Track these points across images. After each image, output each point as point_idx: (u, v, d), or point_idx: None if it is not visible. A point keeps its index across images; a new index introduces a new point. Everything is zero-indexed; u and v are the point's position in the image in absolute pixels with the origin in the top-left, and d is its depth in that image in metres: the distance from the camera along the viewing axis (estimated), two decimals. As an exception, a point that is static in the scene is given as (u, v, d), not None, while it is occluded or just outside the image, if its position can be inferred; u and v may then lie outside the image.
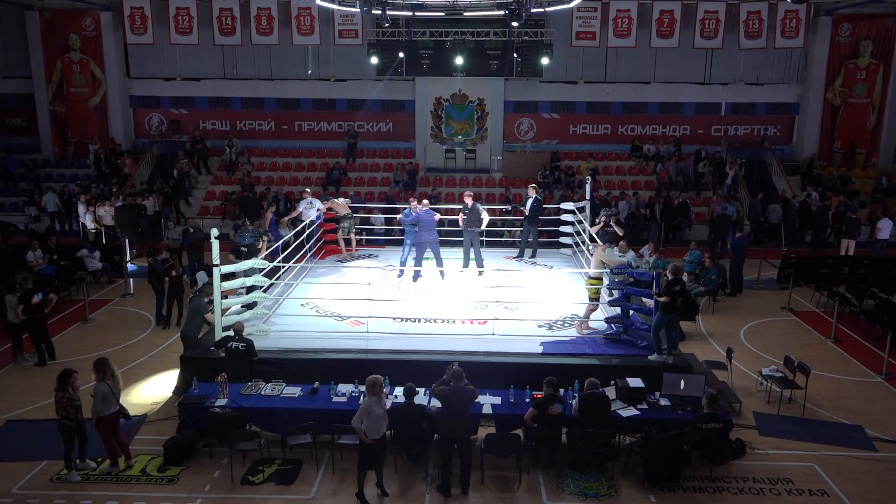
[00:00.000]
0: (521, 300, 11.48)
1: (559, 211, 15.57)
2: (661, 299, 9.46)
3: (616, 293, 10.73)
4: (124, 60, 23.16)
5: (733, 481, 8.14)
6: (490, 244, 15.82)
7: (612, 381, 9.01)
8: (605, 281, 10.86)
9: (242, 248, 12.68)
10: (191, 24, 21.84)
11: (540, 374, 8.85)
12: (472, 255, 13.60)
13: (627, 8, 21.53)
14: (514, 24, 15.04)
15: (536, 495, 7.90)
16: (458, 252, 13.89)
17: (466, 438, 7.96)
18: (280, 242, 13.04)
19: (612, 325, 10.56)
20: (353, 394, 8.81)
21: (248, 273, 10.85)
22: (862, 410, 9.94)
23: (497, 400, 8.75)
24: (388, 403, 8.34)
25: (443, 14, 16.72)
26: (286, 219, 15.17)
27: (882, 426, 9.50)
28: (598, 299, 10.85)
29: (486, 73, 21.65)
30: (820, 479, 8.24)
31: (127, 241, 15.27)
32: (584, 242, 13.67)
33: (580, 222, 14.42)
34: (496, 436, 8.32)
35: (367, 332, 10.49)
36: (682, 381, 8.73)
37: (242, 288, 10.89)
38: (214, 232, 9.87)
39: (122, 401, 8.29)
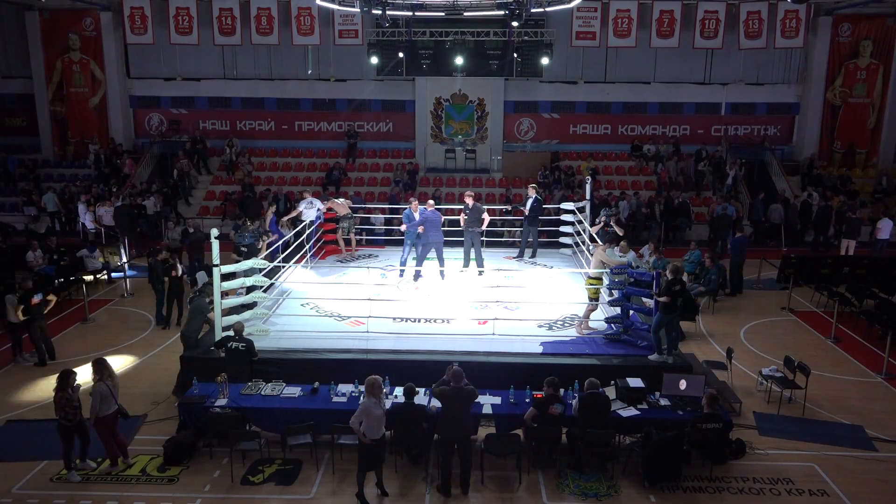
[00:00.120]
0: (521, 300, 11.48)
1: (559, 211, 15.56)
2: (661, 299, 9.46)
3: (616, 293, 10.73)
4: (124, 60, 23.16)
5: (733, 481, 8.14)
6: (490, 244, 15.82)
7: (612, 381, 9.00)
8: (605, 281, 10.87)
9: (242, 248, 12.69)
10: (191, 24, 21.84)
11: (540, 374, 8.86)
12: (472, 256, 13.60)
13: (627, 8, 21.53)
14: (514, 24, 15.05)
15: (536, 495, 7.90)
16: (458, 252, 13.89)
17: (466, 438, 7.96)
18: (280, 242, 13.05)
19: (612, 325, 10.56)
20: (353, 394, 8.81)
21: (247, 273, 10.85)
22: (862, 410, 9.94)
23: (497, 400, 8.75)
24: (388, 403, 8.35)
25: (443, 14, 16.72)
26: (286, 219, 15.17)
27: (882, 426, 9.50)
28: (597, 299, 10.85)
29: (486, 73, 21.64)
30: (820, 479, 8.24)
31: (126, 241, 15.31)
32: (584, 242, 13.67)
33: (580, 222, 14.42)
34: (496, 436, 8.31)
35: (367, 332, 10.48)
36: (682, 381, 8.73)
37: (242, 288, 10.90)
38: (214, 232, 9.87)
39: (121, 401, 8.29)
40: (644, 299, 10.82)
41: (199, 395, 8.80)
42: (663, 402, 8.70)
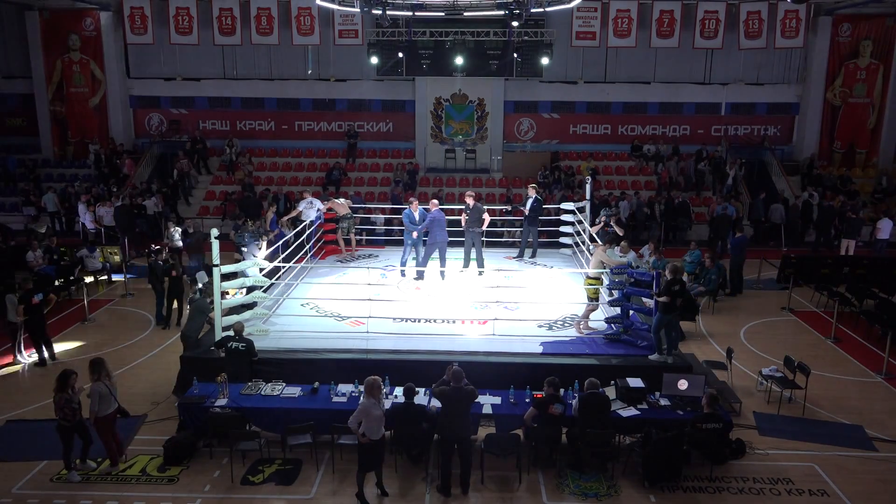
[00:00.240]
0: (521, 300, 11.48)
1: (559, 211, 15.57)
2: (661, 299, 9.46)
3: (616, 293, 10.73)
4: (124, 60, 23.15)
5: (733, 481, 8.14)
6: (490, 244, 15.82)
7: (612, 381, 9.00)
8: (605, 281, 10.87)
9: (242, 248, 12.69)
10: (191, 24, 21.84)
11: (540, 374, 8.86)
12: (472, 255, 13.60)
13: (627, 8, 21.53)
14: (514, 24, 15.04)
15: (536, 495, 7.90)
16: (458, 252, 13.89)
17: (466, 438, 7.96)
18: (280, 242, 13.05)
19: (612, 325, 10.56)
20: (353, 394, 8.80)
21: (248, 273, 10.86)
22: (862, 410, 9.94)
23: (497, 400, 8.75)
24: (388, 403, 8.35)
25: (443, 14, 16.70)
26: (286, 219, 15.18)
27: (882, 426, 9.50)
28: (596, 299, 10.85)
29: (486, 73, 21.65)
30: (820, 479, 8.24)
31: (126, 241, 15.32)
32: (584, 242, 13.67)
33: (580, 222, 14.42)
34: (496, 436, 8.31)
35: (367, 332, 10.49)
36: (682, 381, 8.73)
37: (242, 288, 10.90)
38: (214, 232, 9.88)
39: (121, 401, 8.29)
40: (644, 299, 10.82)
41: (199, 395, 8.80)
42: (663, 402, 8.70)
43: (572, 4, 14.85)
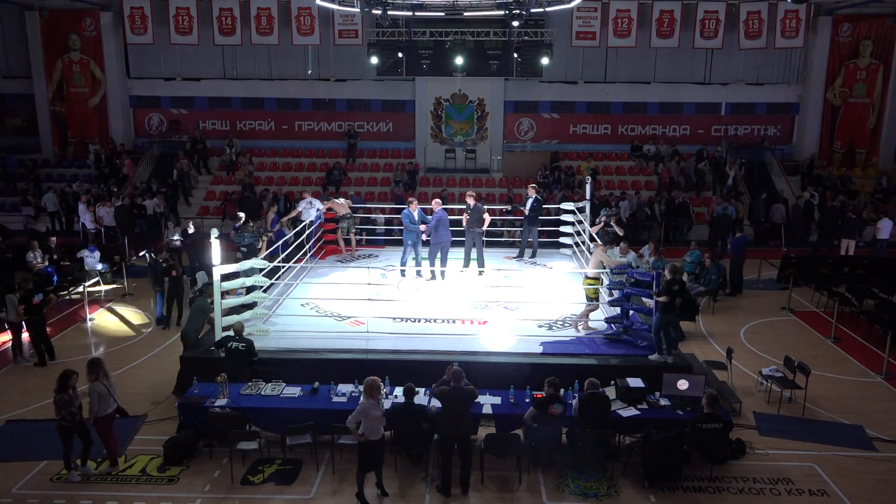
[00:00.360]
0: (521, 300, 11.48)
1: (559, 211, 15.57)
2: (661, 299, 9.46)
3: (616, 293, 10.73)
4: (124, 60, 23.16)
5: (733, 481, 8.14)
6: (490, 244, 15.81)
7: (612, 381, 9.00)
8: (605, 281, 10.87)
9: (242, 248, 12.69)
10: (191, 24, 21.85)
11: (540, 374, 8.86)
12: (472, 255, 13.60)
13: (627, 8, 21.54)
14: (514, 24, 15.04)
15: (536, 495, 7.90)
16: (458, 252, 13.89)
17: (466, 438, 7.96)
18: (280, 242, 13.05)
19: (612, 325, 10.56)
20: (353, 394, 8.80)
21: (247, 273, 10.84)
22: (862, 410, 9.94)
23: (497, 400, 8.75)
24: (388, 403, 8.35)
25: (443, 14, 16.72)
26: (286, 219, 15.18)
27: (882, 426, 9.50)
28: (596, 299, 10.85)
29: (486, 73, 21.65)
30: (820, 479, 8.24)
31: (126, 241, 15.32)
32: (584, 242, 13.67)
33: (580, 222, 14.42)
34: (496, 436, 8.31)
35: (367, 332, 10.48)
36: (682, 381, 8.73)
37: (242, 288, 10.89)
38: (214, 232, 9.88)
39: (121, 401, 8.29)
40: (644, 299, 10.82)
41: (199, 395, 8.79)
42: (663, 402, 8.70)
43: (572, 4, 14.86)
